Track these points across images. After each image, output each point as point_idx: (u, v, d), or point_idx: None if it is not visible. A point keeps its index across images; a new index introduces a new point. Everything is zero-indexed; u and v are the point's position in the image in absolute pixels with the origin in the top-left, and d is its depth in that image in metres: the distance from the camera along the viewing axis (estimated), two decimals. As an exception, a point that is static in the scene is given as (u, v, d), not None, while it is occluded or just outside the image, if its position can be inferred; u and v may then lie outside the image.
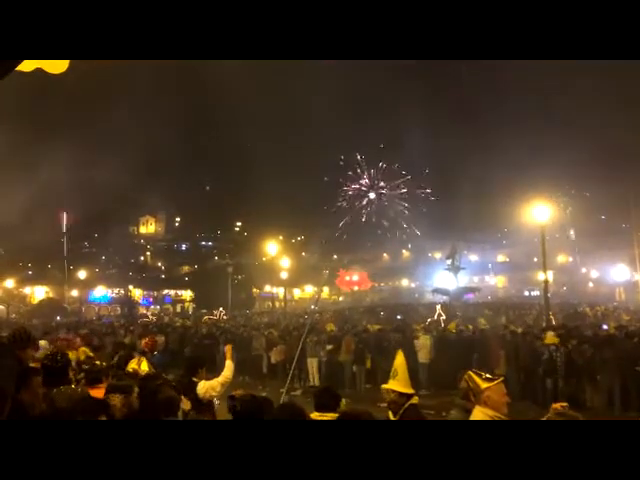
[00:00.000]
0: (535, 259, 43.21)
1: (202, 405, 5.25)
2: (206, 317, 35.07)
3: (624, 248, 51.39)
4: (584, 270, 60.06)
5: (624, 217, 56.83)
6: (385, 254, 75.94)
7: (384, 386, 4.47)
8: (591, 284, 58.91)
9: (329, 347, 14.85)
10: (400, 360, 4.52)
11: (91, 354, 8.83)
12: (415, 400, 4.30)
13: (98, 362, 7.67)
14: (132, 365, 5.87)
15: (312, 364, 14.85)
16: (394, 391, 4.31)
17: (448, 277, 32.29)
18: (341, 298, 67.21)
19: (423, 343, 13.98)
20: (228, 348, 6.48)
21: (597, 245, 52.44)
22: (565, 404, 3.33)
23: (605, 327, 15.08)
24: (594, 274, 58.54)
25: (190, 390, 5.11)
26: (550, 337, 12.24)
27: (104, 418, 3.41)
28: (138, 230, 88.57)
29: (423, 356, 13.70)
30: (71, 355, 8.75)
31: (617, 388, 10.66)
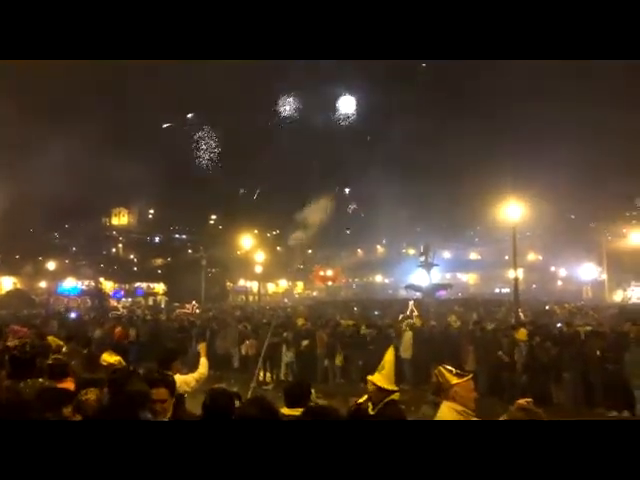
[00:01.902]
0: (506, 257, 43.94)
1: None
2: (179, 310, 34.75)
3: (592, 247, 52.65)
4: (553, 268, 61.35)
5: (592, 217, 58.23)
6: (359, 250, 76.34)
7: (369, 377, 4.52)
8: (560, 282, 60.24)
9: (304, 343, 14.87)
10: (389, 356, 4.56)
11: (60, 342, 8.69)
12: (396, 396, 4.33)
13: (64, 350, 7.58)
14: (105, 358, 5.80)
15: (284, 358, 14.85)
16: (374, 384, 4.36)
17: (421, 273, 32.61)
18: (315, 293, 67.36)
19: (406, 338, 14.09)
20: (202, 346, 6.43)
21: (566, 244, 53.57)
22: (530, 400, 3.41)
23: (559, 325, 15.41)
24: (562, 272, 59.86)
25: (164, 382, 5.01)
26: (522, 334, 12.48)
27: (69, 410, 3.37)
28: (110, 221, 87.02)
29: (405, 351, 13.81)
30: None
31: (581, 385, 10.94)
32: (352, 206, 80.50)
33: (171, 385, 4.06)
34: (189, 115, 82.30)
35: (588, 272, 52.96)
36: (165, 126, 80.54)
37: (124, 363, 5.81)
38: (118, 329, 17.46)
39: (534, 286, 56.01)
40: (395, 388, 4.37)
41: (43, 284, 53.68)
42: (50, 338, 9.24)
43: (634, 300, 38.36)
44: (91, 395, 3.61)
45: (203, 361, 5.95)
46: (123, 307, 42.49)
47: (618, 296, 43.21)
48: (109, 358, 5.77)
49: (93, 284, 56.07)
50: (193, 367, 5.94)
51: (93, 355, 6.76)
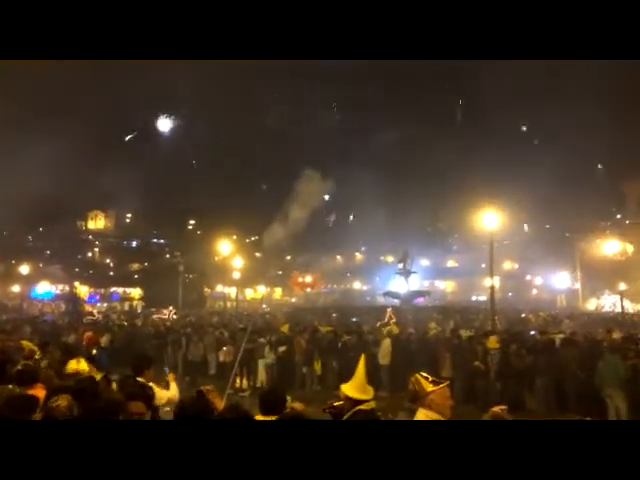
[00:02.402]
0: (483, 265, 44.43)
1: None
2: (155, 316, 34.32)
3: (566, 257, 53.56)
4: (529, 277, 62.20)
5: (567, 227, 59.25)
6: (338, 256, 76.41)
7: (341, 386, 4.50)
8: (535, 291, 61.10)
9: (282, 349, 14.81)
10: (361, 365, 4.53)
11: (34, 348, 8.53)
12: (365, 406, 4.28)
13: (37, 356, 7.43)
14: (72, 365, 5.67)
15: (261, 365, 14.77)
16: (344, 393, 4.34)
17: (399, 281, 32.80)
18: (293, 299, 67.16)
19: (385, 345, 14.10)
20: (171, 374, 6.17)
21: (541, 253, 54.39)
22: (504, 407, 3.44)
23: (533, 333, 15.65)
24: (538, 281, 60.73)
25: (143, 396, 4.82)
26: (493, 341, 12.63)
27: (38, 417, 3.30)
28: (86, 225, 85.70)
29: (384, 358, 13.81)
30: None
31: (553, 393, 11.09)
32: (332, 218, 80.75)
33: (149, 399, 4.01)
34: (166, 118, 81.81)
35: (563, 281, 53.85)
36: (128, 138, 79.87)
37: (94, 371, 5.68)
38: (88, 334, 17.16)
39: (510, 294, 56.69)
40: (365, 397, 4.30)
41: (16, 288, 52.60)
42: (24, 343, 9.08)
43: (607, 308, 39.07)
44: (62, 402, 3.54)
45: (173, 386, 5.78)
46: (98, 312, 41.82)
47: (592, 304, 44.00)
48: (75, 365, 5.65)
49: (68, 289, 55.06)
50: (167, 374, 5.84)
51: (66, 361, 6.63)
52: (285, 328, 16.83)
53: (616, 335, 12.99)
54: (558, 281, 54.30)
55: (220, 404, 4.08)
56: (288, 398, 4.21)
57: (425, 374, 3.96)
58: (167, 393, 5.44)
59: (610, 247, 41.80)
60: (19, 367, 5.38)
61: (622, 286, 34.06)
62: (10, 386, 4.73)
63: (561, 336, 13.33)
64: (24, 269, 49.65)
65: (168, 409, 4.80)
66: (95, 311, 43.16)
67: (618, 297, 41.12)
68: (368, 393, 4.37)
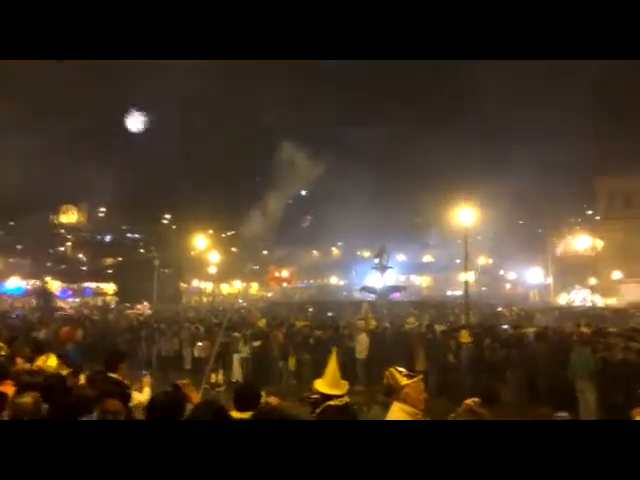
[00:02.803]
0: (458, 260, 44.94)
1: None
2: (129, 311, 33.93)
3: (539, 252, 54.54)
4: (502, 272, 63.19)
5: (539, 223, 60.33)
6: (315, 251, 76.51)
7: (315, 381, 4.50)
8: (508, 285, 62.11)
9: (256, 343, 14.79)
10: (331, 359, 4.54)
11: (1, 344, 8.35)
12: (337, 401, 4.29)
13: (3, 353, 7.26)
14: (38, 362, 5.55)
15: (236, 360, 14.72)
16: (316, 389, 4.36)
17: (376, 276, 33.01)
18: (270, 294, 67.08)
19: (362, 340, 14.15)
20: (146, 378, 6.01)
21: (515, 249, 55.28)
22: (477, 400, 3.48)
23: (506, 327, 15.84)
24: (512, 276, 61.75)
25: (119, 394, 4.61)
26: (465, 336, 12.81)
27: (8, 414, 3.23)
28: (58, 219, 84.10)
29: (360, 352, 13.84)
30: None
31: (525, 385, 11.30)
32: (308, 217, 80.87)
33: (126, 397, 3.94)
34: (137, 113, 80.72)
35: (535, 276, 54.83)
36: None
37: (62, 367, 5.56)
38: (66, 329, 16.87)
39: (484, 289, 57.52)
40: (336, 392, 4.32)
41: (-15, 283, 51.47)
42: (-10, 339, 8.88)
43: (578, 303, 39.90)
44: (27, 398, 3.47)
45: (147, 390, 5.66)
46: (71, 307, 41.17)
47: (563, 299, 44.87)
48: (42, 362, 5.53)
49: (39, 284, 54.03)
50: (139, 368, 5.75)
51: (35, 357, 6.50)
52: (262, 323, 16.81)
53: (585, 329, 13.26)
54: (531, 276, 55.29)
55: (196, 398, 4.05)
56: (263, 393, 4.20)
57: (400, 368, 3.99)
58: (139, 396, 5.32)
59: (581, 243, 42.75)
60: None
61: (592, 281, 34.79)
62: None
63: (533, 330, 13.57)
64: (-6, 264, 48.58)
65: (138, 412, 4.69)
66: (67, 306, 42.49)
67: (588, 292, 42.13)
68: (341, 388, 4.39)
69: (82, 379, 4.87)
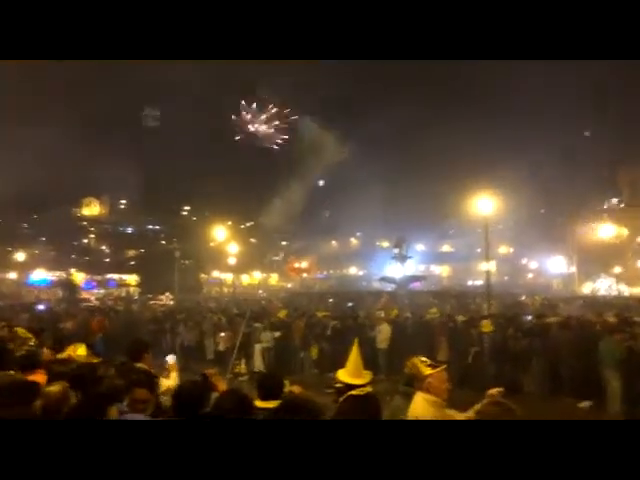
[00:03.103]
0: (478, 249, 44.54)
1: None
2: (152, 302, 34.38)
3: (562, 240, 53.76)
4: (524, 261, 62.48)
5: (562, 211, 59.42)
6: (334, 242, 76.56)
7: (338, 371, 4.53)
8: (530, 275, 61.41)
9: (277, 334, 14.88)
10: (353, 349, 4.55)
11: (29, 335, 8.52)
12: (358, 391, 4.30)
13: (32, 343, 7.42)
14: (68, 351, 5.66)
15: (257, 350, 14.84)
16: (338, 379, 4.37)
17: (395, 266, 32.89)
18: (289, 285, 67.35)
19: (383, 330, 14.15)
20: (172, 361, 6.09)
21: (537, 237, 54.56)
22: (501, 390, 3.47)
23: (529, 318, 15.65)
24: (533, 265, 61.02)
25: (147, 384, 4.62)
26: (486, 325, 12.72)
27: (40, 404, 3.30)
28: (80, 212, 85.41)
29: (382, 342, 13.86)
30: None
31: (548, 375, 11.21)
32: (326, 212, 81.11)
33: (153, 386, 4.02)
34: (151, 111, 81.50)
35: (558, 265, 54.10)
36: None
37: (91, 357, 5.66)
38: (97, 319, 17.14)
39: (506, 278, 56.96)
40: (358, 382, 4.33)
41: (12, 275, 52.54)
42: (19, 330, 9.06)
43: (602, 292, 39.32)
44: (55, 387, 3.56)
45: (174, 375, 5.74)
46: (95, 298, 41.87)
47: (587, 288, 44.24)
48: (72, 351, 5.64)
49: (64, 275, 55.02)
50: (163, 358, 5.82)
51: (64, 347, 6.63)
52: (283, 314, 16.89)
53: (611, 318, 13.08)
54: (553, 265, 54.56)
55: (223, 387, 4.12)
56: (286, 382, 4.24)
57: (422, 358, 3.99)
58: (167, 382, 5.41)
59: (605, 231, 42.00)
60: (22, 352, 5.38)
61: (617, 269, 34.20)
62: (11, 372, 4.74)
63: (556, 319, 13.42)
64: (20, 256, 49.56)
65: (167, 398, 4.75)
66: (92, 297, 43.23)
67: (613, 280, 41.45)
68: (363, 378, 4.39)
69: (112, 370, 4.95)
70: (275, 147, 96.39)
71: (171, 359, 5.86)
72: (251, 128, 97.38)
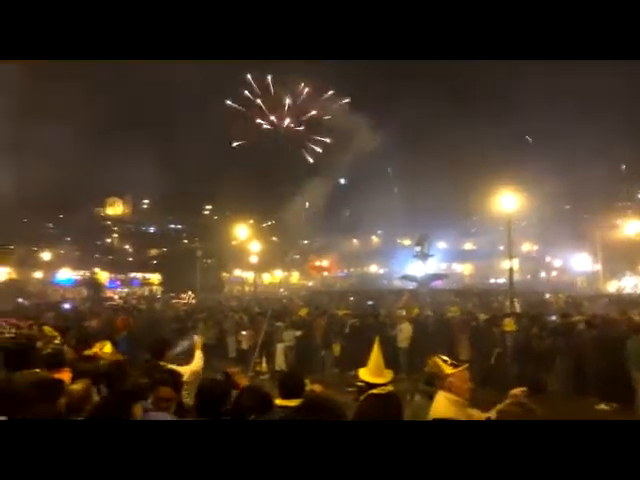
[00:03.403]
0: (501, 247, 44.01)
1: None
2: (175, 300, 34.74)
3: (586, 238, 52.80)
4: (548, 259, 61.54)
5: (586, 207, 58.41)
6: (355, 240, 76.40)
7: (359, 370, 4.54)
8: (554, 273, 60.46)
9: (298, 333, 14.92)
10: (374, 348, 4.55)
11: (55, 333, 8.68)
12: (379, 390, 4.30)
13: (58, 341, 7.55)
14: (95, 349, 5.77)
15: (279, 349, 14.90)
16: (360, 377, 4.38)
17: (417, 264, 32.71)
18: (310, 283, 67.43)
19: (404, 329, 14.11)
20: (198, 339, 6.37)
21: (561, 234, 53.71)
22: (524, 389, 3.43)
23: (553, 318, 15.38)
24: (557, 263, 60.06)
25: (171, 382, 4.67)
26: (509, 324, 12.58)
27: (63, 402, 3.36)
28: (104, 212, 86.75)
29: (403, 341, 13.81)
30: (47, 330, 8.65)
31: (572, 375, 11.04)
32: (347, 211, 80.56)
33: (178, 384, 4.07)
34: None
35: (582, 262, 53.16)
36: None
37: (116, 354, 5.77)
38: (122, 317, 17.38)
39: (529, 276, 56.19)
40: (379, 381, 4.33)
41: (38, 274, 53.58)
42: (45, 328, 9.24)
43: (628, 290, 38.53)
44: (78, 385, 3.62)
45: (198, 354, 5.92)
46: (119, 297, 42.49)
47: (613, 286, 43.41)
48: (98, 349, 5.74)
49: (88, 274, 55.92)
50: (189, 358, 5.93)
51: (89, 346, 6.74)
52: (304, 312, 16.93)
53: (636, 317, 12.81)
54: (578, 263, 53.62)
55: (245, 385, 4.16)
56: (307, 381, 4.25)
57: (444, 357, 3.97)
58: (190, 367, 5.53)
59: (631, 228, 41.10)
60: (48, 350, 5.49)
61: (644, 267, 33.51)
62: (37, 370, 4.83)
63: (581, 318, 13.21)
64: (45, 255, 50.56)
65: (187, 388, 4.81)
66: (116, 296, 43.88)
67: (639, 278, 40.58)
68: (384, 376, 4.39)
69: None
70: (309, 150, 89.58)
71: (198, 338, 6.10)
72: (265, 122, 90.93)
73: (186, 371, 5.37)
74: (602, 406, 10.15)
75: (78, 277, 55.71)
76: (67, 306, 27.71)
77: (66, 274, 54.59)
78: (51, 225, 73.19)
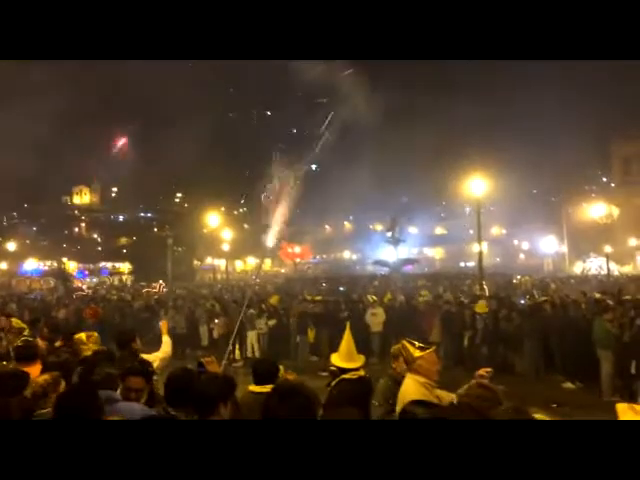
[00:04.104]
0: (471, 231, 44.68)
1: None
2: (145, 290, 34.30)
3: (553, 221, 53.98)
4: (516, 242, 62.76)
5: (553, 191, 59.61)
6: (327, 226, 76.51)
7: (332, 355, 4.61)
8: (522, 255, 61.74)
9: (272, 322, 14.91)
10: (346, 333, 4.61)
11: (23, 325, 8.51)
12: (351, 375, 4.36)
13: (26, 333, 7.41)
14: (81, 336, 5.71)
15: (252, 337, 14.90)
16: (332, 362, 4.45)
17: (389, 249, 32.99)
18: (283, 270, 67.38)
19: (377, 313, 14.24)
20: (164, 324, 6.39)
21: (528, 218, 54.77)
22: (490, 370, 3.52)
23: (522, 301, 15.76)
24: (525, 246, 61.32)
25: (142, 372, 4.72)
26: (481, 306, 12.84)
27: (28, 394, 3.31)
28: (71, 200, 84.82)
29: (376, 326, 13.96)
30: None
31: (542, 355, 11.36)
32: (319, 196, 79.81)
33: (148, 374, 4.05)
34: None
35: (549, 245, 54.36)
36: None
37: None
38: (92, 307, 17.08)
39: (497, 259, 57.25)
40: (350, 366, 4.40)
41: (3, 265, 52.30)
42: (14, 320, 9.04)
43: (593, 271, 39.60)
44: (43, 376, 3.57)
45: (166, 339, 5.89)
46: (88, 287, 41.75)
47: (578, 268, 44.56)
48: (84, 337, 5.67)
49: (55, 265, 54.83)
50: (157, 346, 5.88)
51: (58, 338, 6.62)
52: (275, 300, 16.92)
53: (600, 297, 13.20)
54: (545, 245, 54.82)
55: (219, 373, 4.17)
56: (281, 367, 4.29)
57: (412, 340, 4.04)
58: (157, 354, 5.52)
59: (596, 210, 42.07)
60: (18, 343, 5.38)
61: (608, 249, 34.41)
62: (4, 363, 4.75)
63: (547, 299, 13.55)
64: (11, 246, 49.31)
65: (156, 378, 4.80)
66: (84, 286, 43.10)
67: (604, 260, 41.71)
68: (356, 361, 4.46)
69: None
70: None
71: (162, 323, 6.34)
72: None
73: (155, 359, 5.34)
74: (568, 384, 10.49)
75: (45, 267, 54.59)
76: (32, 297, 27.10)
77: (33, 265, 53.41)
78: (15, 215, 71.32)
